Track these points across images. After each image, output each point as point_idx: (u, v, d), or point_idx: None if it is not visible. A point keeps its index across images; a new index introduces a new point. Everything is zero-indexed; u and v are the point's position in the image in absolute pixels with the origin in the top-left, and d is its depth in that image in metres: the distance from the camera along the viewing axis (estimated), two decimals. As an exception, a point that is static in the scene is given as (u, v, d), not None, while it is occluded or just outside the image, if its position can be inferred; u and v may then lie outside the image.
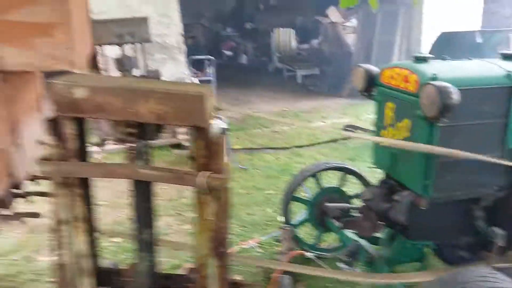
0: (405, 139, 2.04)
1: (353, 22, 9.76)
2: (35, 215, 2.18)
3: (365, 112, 7.07)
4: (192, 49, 8.10)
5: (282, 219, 3.32)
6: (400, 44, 7.99)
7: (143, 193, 1.49)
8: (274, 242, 3.41)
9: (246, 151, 5.62)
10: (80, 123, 1.41)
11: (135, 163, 1.38)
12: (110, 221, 3.88)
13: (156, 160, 4.82)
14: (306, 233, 3.35)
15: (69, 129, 1.38)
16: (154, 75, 5.06)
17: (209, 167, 1.36)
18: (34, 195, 2.28)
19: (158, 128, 1.42)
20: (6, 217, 2.13)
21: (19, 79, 1.95)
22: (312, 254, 2.89)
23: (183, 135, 5.56)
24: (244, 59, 12.75)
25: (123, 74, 5.09)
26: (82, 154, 1.44)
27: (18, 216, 2.15)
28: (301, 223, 3.21)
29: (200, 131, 1.34)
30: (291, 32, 11.26)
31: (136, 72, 5.11)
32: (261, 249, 3.38)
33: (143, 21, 4.62)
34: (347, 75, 8.74)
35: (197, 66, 7.82)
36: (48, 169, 1.38)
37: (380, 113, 2.26)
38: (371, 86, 2.28)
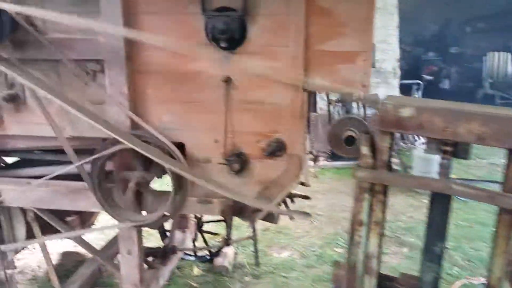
0: None
1: None
2: (305, 214, 2.51)
3: None
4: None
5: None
6: None
7: (442, 207, 1.59)
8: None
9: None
10: (392, 138, 1.61)
11: (448, 178, 1.50)
12: (329, 231, 4.14)
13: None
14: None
15: (385, 143, 1.58)
16: (373, 99, 5.22)
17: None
18: (300, 197, 2.65)
19: (468, 148, 1.51)
20: (281, 212, 2.52)
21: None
22: None
23: (392, 158, 5.57)
24: (446, 84, 12.05)
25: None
26: (389, 165, 1.63)
27: (291, 212, 2.52)
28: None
29: (519, 154, 1.38)
30: (508, 56, 10.14)
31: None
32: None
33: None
34: None
35: (403, 90, 7.74)
36: (362, 175, 1.61)
37: None
38: None
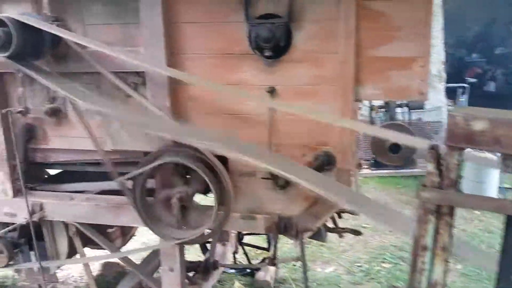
0: None
1: None
2: (356, 232, 2.36)
3: None
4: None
5: None
6: None
7: (520, 232, 1.40)
8: None
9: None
10: (461, 154, 1.43)
11: (530, 201, 1.32)
12: (375, 245, 3.94)
13: (411, 190, 4.70)
14: None
15: (455, 160, 1.41)
16: (418, 106, 4.99)
17: None
18: (348, 213, 2.49)
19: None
20: (330, 230, 2.38)
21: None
22: None
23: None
24: (491, 87, 11.49)
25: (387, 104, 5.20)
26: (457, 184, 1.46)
27: (341, 230, 2.37)
28: None
29: None
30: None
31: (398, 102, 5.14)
32: None
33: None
34: None
35: (448, 94, 7.37)
36: (429, 196, 1.44)
37: None
38: None
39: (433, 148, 1.49)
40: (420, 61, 1.81)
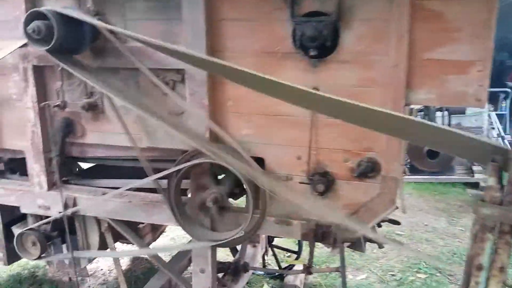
0: None
1: None
2: (399, 243, 2.25)
3: None
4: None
5: None
6: None
7: None
8: None
9: None
10: (526, 168, 1.31)
11: None
12: (410, 254, 3.78)
13: (448, 198, 4.46)
14: None
15: (520, 174, 1.29)
16: (458, 110, 4.78)
17: None
18: (389, 222, 2.37)
19: None
20: (369, 239, 2.27)
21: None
22: None
23: (480, 174, 5.06)
24: (535, 92, 10.98)
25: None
26: (520, 201, 1.34)
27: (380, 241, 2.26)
28: None
29: None
30: None
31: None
32: None
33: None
34: None
35: (489, 99, 7.07)
36: (489, 213, 1.33)
37: None
38: None
39: (495, 160, 1.37)
40: (478, 65, 1.68)
